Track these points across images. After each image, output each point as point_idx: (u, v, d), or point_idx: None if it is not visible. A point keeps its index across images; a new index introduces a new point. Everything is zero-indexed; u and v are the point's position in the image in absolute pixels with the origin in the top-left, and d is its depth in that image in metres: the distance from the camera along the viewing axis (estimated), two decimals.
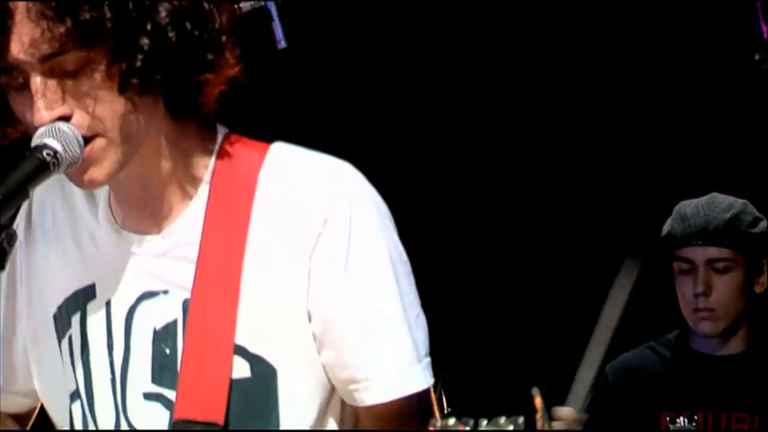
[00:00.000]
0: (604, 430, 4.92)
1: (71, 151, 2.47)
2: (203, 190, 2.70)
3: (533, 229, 6.73)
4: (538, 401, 2.36)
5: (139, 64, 2.47)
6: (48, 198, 2.83)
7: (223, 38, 2.57)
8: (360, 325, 2.61)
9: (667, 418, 4.83)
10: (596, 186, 6.64)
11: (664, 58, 6.45)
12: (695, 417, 4.83)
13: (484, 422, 2.10)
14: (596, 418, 4.92)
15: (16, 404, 2.92)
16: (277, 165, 2.69)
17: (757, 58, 5.92)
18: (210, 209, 2.68)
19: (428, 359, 2.65)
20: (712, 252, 4.98)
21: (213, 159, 2.71)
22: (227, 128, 2.74)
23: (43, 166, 2.45)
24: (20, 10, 2.46)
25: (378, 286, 2.64)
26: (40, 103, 2.49)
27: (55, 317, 2.79)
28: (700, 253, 4.99)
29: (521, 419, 2.07)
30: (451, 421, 2.11)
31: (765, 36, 5.91)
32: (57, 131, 2.46)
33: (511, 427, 2.09)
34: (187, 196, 2.71)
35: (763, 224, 5.06)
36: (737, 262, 4.99)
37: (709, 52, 6.37)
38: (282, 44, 4.54)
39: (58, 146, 2.46)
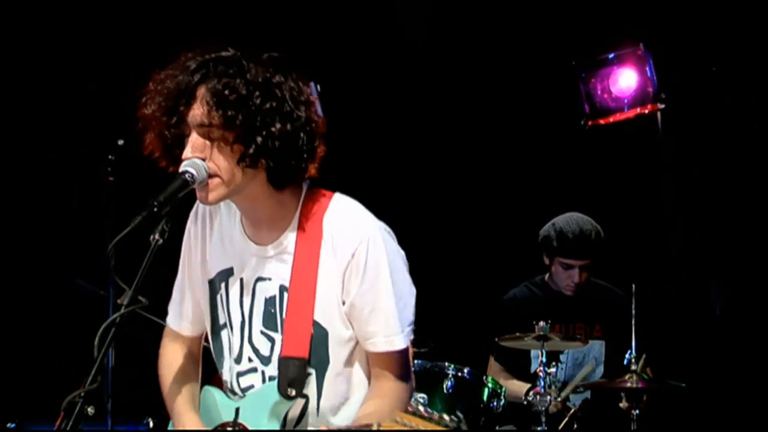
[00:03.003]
0: (502, 333, 5.27)
1: (201, 176, 2.75)
2: (293, 223, 2.93)
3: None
4: None
5: (251, 152, 2.75)
6: (209, 209, 3.06)
7: (309, 154, 2.83)
8: (368, 311, 2.89)
9: (533, 323, 5.11)
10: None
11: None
12: (549, 322, 5.11)
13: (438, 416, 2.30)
14: (497, 327, 5.47)
15: (200, 329, 3.17)
16: (334, 211, 2.93)
17: (582, 123, 6.53)
18: (299, 238, 2.92)
19: (410, 328, 2.94)
20: (583, 261, 5.55)
21: (300, 203, 2.94)
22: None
23: (185, 183, 2.73)
24: (200, 97, 2.76)
25: (379, 290, 2.89)
26: (189, 148, 2.77)
27: (210, 282, 3.07)
28: (577, 262, 5.56)
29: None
30: (421, 407, 2.34)
31: (586, 111, 6.52)
32: (195, 164, 2.75)
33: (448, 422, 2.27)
34: (283, 225, 2.95)
35: (602, 236, 5.58)
36: (593, 263, 5.60)
37: (554, 119, 6.71)
38: (320, 115, 4.67)
39: (194, 172, 2.74)
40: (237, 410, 2.96)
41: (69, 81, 6.13)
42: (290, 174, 2.84)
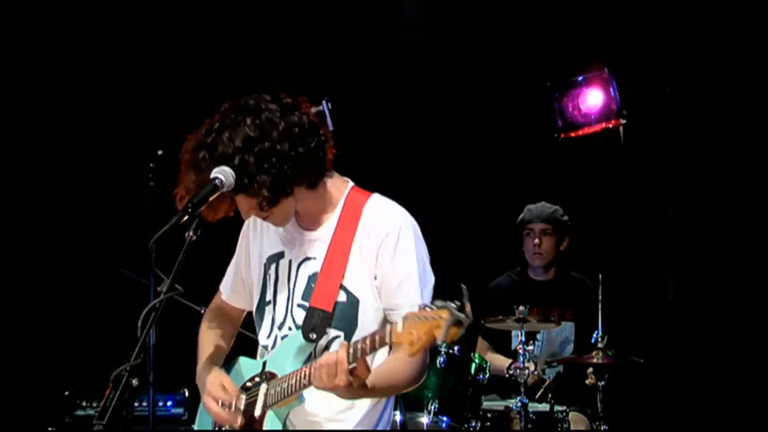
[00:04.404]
0: (487, 316, 5.28)
1: (228, 182, 2.73)
2: (337, 212, 2.97)
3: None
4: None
5: (268, 195, 2.78)
6: None
7: (308, 156, 2.80)
8: (396, 284, 2.86)
9: (514, 307, 5.12)
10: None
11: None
12: (528, 306, 5.13)
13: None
14: (483, 311, 5.43)
15: (238, 302, 3.23)
16: (372, 205, 2.97)
17: (555, 135, 6.57)
18: (339, 223, 2.96)
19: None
20: (543, 225, 5.66)
21: (344, 198, 2.99)
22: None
23: (215, 188, 2.71)
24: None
25: (407, 268, 2.87)
26: (243, 213, 2.89)
27: (264, 265, 3.08)
28: (537, 226, 5.66)
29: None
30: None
31: (559, 125, 6.55)
32: (223, 171, 2.73)
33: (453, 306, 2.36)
34: (329, 213, 2.98)
35: (564, 216, 5.71)
36: (553, 232, 5.68)
37: (532, 132, 6.73)
38: (330, 128, 4.70)
39: (223, 178, 2.72)
40: (264, 363, 2.99)
41: (119, 103, 6.23)
42: (309, 176, 2.85)
